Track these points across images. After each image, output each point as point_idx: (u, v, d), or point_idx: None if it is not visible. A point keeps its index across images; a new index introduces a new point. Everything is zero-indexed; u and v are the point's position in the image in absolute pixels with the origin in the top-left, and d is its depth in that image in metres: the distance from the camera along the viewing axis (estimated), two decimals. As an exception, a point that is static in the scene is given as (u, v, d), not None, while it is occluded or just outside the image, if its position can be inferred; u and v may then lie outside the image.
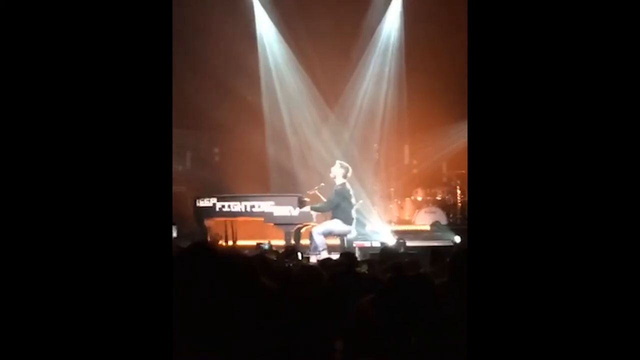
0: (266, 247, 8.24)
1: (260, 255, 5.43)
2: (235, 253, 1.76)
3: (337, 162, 9.69)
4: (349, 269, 4.86)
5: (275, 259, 6.13)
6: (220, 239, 10.03)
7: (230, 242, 10.12)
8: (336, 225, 9.36)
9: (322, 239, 9.22)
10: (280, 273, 4.06)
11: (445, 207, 12.72)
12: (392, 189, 13.31)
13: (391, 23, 13.36)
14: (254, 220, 10.00)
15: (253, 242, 9.11)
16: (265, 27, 13.42)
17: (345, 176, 9.49)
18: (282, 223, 9.77)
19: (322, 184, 10.00)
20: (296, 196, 10.00)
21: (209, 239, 9.57)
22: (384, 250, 7.24)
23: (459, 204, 12.66)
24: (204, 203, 10.18)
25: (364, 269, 5.64)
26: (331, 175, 9.58)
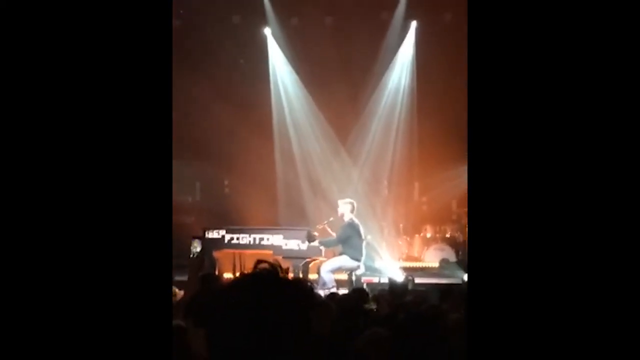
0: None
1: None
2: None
3: (340, 201, 9.67)
4: (358, 304, 4.81)
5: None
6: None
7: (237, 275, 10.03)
8: (345, 261, 9.27)
9: (331, 276, 9.16)
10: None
11: (454, 244, 12.62)
12: (401, 225, 13.24)
13: (403, 62, 13.41)
14: (262, 253, 9.93)
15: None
16: (278, 60, 13.50)
17: (352, 211, 9.47)
18: (290, 257, 9.70)
19: (332, 219, 9.93)
20: (305, 230, 9.93)
21: (217, 271, 9.49)
22: (393, 287, 7.18)
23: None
24: (212, 234, 10.14)
25: (373, 305, 5.58)
26: (339, 213, 9.57)
